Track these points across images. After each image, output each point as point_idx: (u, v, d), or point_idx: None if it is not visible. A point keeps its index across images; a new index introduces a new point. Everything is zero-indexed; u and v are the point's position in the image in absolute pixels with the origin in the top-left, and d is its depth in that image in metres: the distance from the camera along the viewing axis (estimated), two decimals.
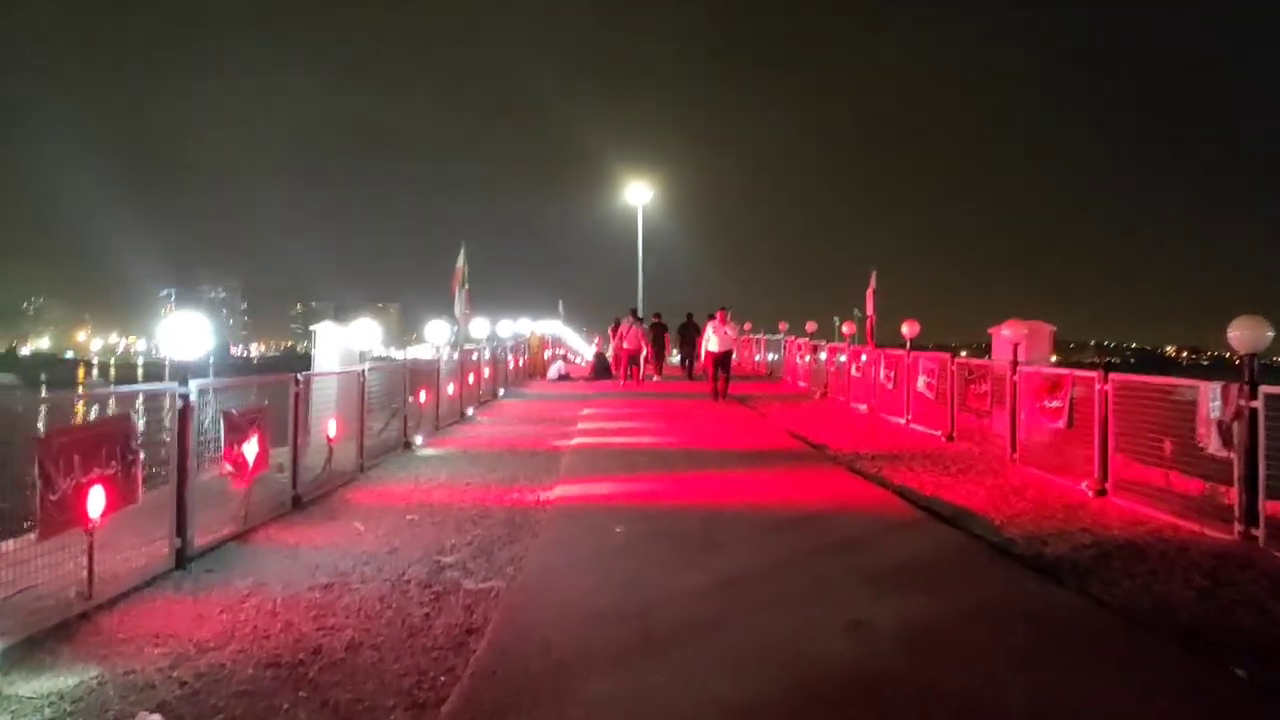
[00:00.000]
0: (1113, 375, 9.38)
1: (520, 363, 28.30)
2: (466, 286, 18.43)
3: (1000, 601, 5.65)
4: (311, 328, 12.50)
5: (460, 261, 18.13)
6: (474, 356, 19.40)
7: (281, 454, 8.43)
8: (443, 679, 4.41)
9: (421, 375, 14.12)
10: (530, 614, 5.40)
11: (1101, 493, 9.12)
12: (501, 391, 22.45)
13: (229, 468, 6.73)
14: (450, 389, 16.18)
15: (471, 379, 18.51)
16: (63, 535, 4.94)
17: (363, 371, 10.55)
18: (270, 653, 4.71)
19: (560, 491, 9.53)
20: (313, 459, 9.66)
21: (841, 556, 6.80)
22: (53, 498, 4.66)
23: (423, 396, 13.92)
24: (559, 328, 42.82)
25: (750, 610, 5.43)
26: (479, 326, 20.99)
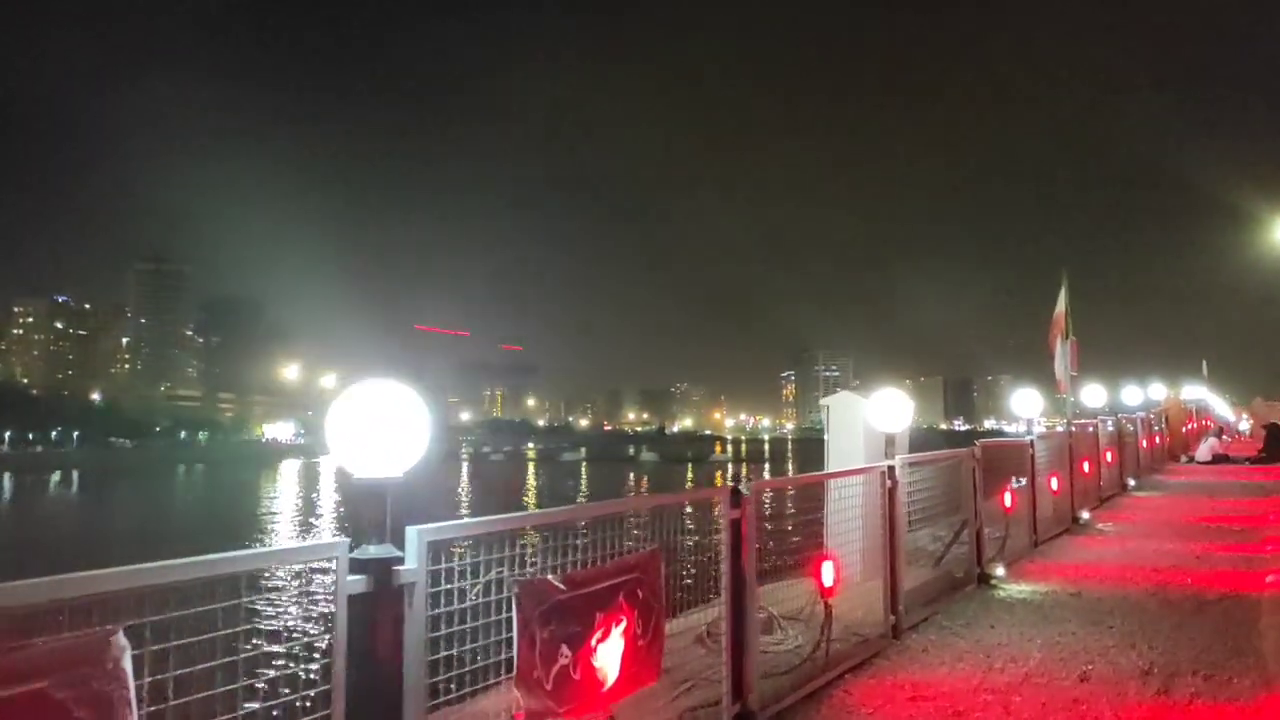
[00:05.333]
0: None
1: (1155, 441, 21.73)
2: (1071, 338, 13.44)
3: None
4: (822, 402, 8.99)
5: (1061, 304, 13.26)
6: (1088, 433, 14.18)
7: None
8: None
9: (1002, 466, 9.69)
10: None
11: None
12: (1131, 482, 16.57)
13: (526, 701, 3.25)
14: (1052, 484, 11.40)
15: (1086, 467, 13.36)
16: None
17: (888, 469, 6.63)
18: None
19: None
20: (803, 609, 6.06)
21: None
22: None
23: (1007, 498, 9.49)
24: (1204, 394, 34.10)
25: None
26: (1092, 394, 15.62)
